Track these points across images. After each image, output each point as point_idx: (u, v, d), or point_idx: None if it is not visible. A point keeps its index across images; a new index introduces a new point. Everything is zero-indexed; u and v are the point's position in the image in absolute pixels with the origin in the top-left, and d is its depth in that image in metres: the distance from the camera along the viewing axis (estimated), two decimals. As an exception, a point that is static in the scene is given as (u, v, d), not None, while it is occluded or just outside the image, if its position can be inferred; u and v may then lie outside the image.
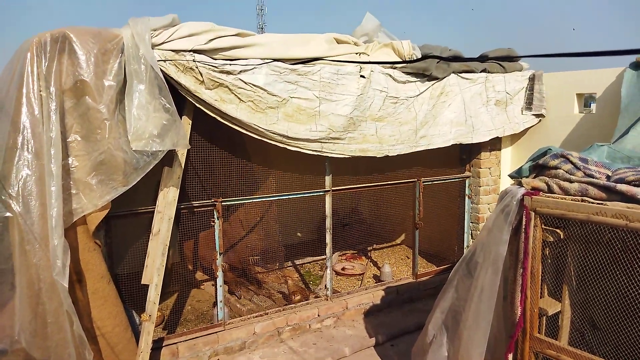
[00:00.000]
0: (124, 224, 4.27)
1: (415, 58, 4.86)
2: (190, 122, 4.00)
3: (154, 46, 3.50)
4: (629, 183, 2.81)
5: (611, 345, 3.02)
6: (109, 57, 3.25)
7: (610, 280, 2.95)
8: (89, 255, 3.48)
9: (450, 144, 5.28)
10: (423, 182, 5.60)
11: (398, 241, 7.76)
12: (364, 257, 7.08)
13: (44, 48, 3.05)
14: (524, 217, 3.11)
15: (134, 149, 3.37)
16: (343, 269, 6.52)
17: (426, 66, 4.86)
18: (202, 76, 3.73)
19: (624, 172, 2.92)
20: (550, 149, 3.27)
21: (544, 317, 3.26)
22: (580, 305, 3.21)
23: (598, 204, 2.82)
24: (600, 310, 3.12)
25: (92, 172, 3.30)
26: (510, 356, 3.29)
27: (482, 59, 5.27)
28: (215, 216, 4.36)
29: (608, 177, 2.96)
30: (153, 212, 3.96)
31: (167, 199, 3.91)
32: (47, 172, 3.06)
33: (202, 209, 4.35)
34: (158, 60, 3.47)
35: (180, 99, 3.84)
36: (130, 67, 3.31)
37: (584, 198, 2.91)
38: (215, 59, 3.81)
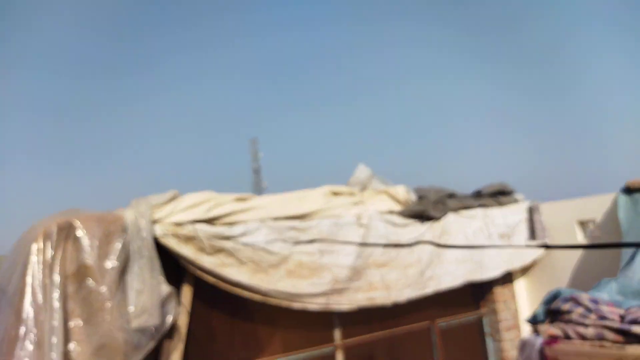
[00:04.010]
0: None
1: (410, 201, 5.20)
2: (191, 289, 4.16)
3: (155, 222, 3.81)
4: (643, 324, 2.90)
5: None
6: (112, 239, 3.53)
7: None
8: None
9: (459, 283, 5.38)
10: (439, 324, 5.57)
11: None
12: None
13: (50, 238, 3.33)
14: (545, 368, 3.13)
15: (135, 326, 3.48)
16: None
17: (423, 208, 5.18)
18: (202, 244, 3.99)
19: (636, 312, 3.02)
20: (559, 292, 3.40)
21: None
22: None
23: (617, 349, 2.87)
24: None
25: (93, 357, 3.36)
26: None
27: (477, 195, 5.63)
28: (220, 387, 4.29)
29: (622, 318, 3.05)
30: (153, 391, 3.91)
31: (169, 376, 3.89)
32: (47, 363, 3.13)
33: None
34: (159, 235, 3.75)
35: (181, 269, 4.05)
36: (132, 246, 3.58)
37: (602, 344, 2.96)
38: (216, 226, 4.11)
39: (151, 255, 3.62)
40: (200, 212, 4.02)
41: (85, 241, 3.43)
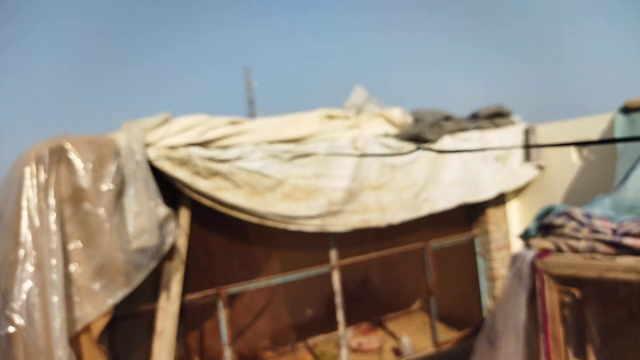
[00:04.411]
0: (127, 324, 4.29)
1: (407, 124, 5.10)
2: (189, 213, 4.14)
3: (148, 145, 3.72)
4: (634, 236, 2.91)
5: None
6: (106, 162, 3.44)
7: (632, 335, 2.96)
8: (94, 363, 3.49)
9: (454, 205, 5.40)
10: (432, 245, 5.67)
11: (414, 307, 7.68)
12: (379, 329, 6.98)
13: (42, 161, 3.25)
14: (537, 280, 3.18)
15: (135, 247, 3.49)
16: (359, 344, 6.42)
17: (419, 131, 5.09)
18: (197, 168, 3.92)
19: (629, 224, 3.02)
20: (553, 207, 3.39)
21: (574, 383, 3.24)
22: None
23: (607, 260, 2.90)
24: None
25: (94, 278, 3.39)
26: None
27: (473, 117, 5.52)
28: (220, 305, 4.40)
29: (614, 231, 3.06)
30: (156, 309, 4.00)
31: (170, 295, 3.97)
32: (49, 283, 3.15)
33: (207, 299, 4.39)
34: (153, 159, 3.67)
35: (178, 191, 4.01)
36: (126, 169, 3.50)
37: (593, 255, 2.99)
38: (210, 150, 4.02)
39: (146, 178, 3.56)
40: (194, 135, 3.92)
41: (79, 164, 3.35)
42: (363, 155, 4.53)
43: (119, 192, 3.52)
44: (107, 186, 3.43)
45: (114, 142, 3.52)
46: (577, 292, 3.13)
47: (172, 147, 3.82)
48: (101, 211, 3.41)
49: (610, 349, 3.11)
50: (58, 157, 3.32)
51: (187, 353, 5.88)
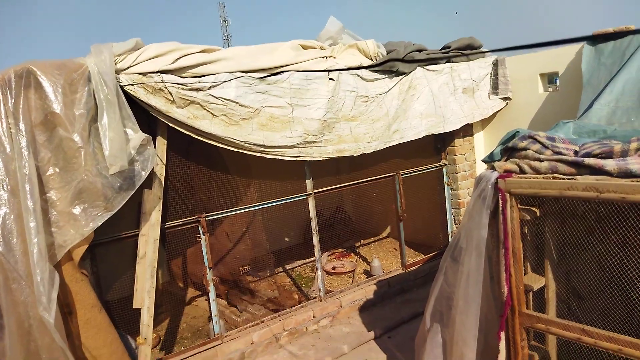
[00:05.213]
0: (108, 250, 4.22)
1: (380, 55, 4.91)
2: (166, 141, 3.98)
3: (120, 71, 3.48)
4: (595, 156, 2.90)
5: (596, 313, 3.11)
6: (77, 86, 3.21)
7: (588, 250, 3.04)
8: (77, 286, 3.43)
9: (422, 136, 5.36)
10: (402, 174, 5.67)
11: (384, 234, 7.82)
12: (352, 254, 7.12)
13: (9, 85, 3.00)
14: (500, 199, 3.18)
15: (112, 172, 3.33)
16: (333, 268, 6.55)
17: (392, 63, 4.92)
18: (172, 96, 3.72)
19: (590, 146, 3.00)
20: (518, 131, 3.34)
21: (530, 293, 3.34)
22: (563, 278, 3.30)
23: (569, 179, 2.90)
24: (582, 281, 3.21)
25: (74, 202, 3.25)
26: (502, 334, 3.36)
27: (445, 50, 5.36)
28: (201, 232, 4.34)
29: (576, 153, 3.04)
30: (137, 235, 3.92)
31: (150, 221, 3.88)
32: (24, 208, 3.01)
33: (187, 226, 4.33)
34: (126, 85, 3.44)
35: (154, 119, 3.82)
36: (99, 95, 3.28)
37: (554, 175, 2.99)
38: (184, 77, 3.80)
39: (119, 104, 3.34)
40: (167, 62, 3.67)
41: (48, 88, 3.11)
42: (338, 70, 4.36)
43: (93, 118, 3.31)
44: (79, 111, 3.22)
45: (84, 66, 3.27)
46: (537, 211, 3.15)
47: (145, 74, 3.59)
48: (75, 136, 3.21)
49: (566, 263, 3.19)
50: (25, 81, 3.07)
51: (171, 279, 5.91)
